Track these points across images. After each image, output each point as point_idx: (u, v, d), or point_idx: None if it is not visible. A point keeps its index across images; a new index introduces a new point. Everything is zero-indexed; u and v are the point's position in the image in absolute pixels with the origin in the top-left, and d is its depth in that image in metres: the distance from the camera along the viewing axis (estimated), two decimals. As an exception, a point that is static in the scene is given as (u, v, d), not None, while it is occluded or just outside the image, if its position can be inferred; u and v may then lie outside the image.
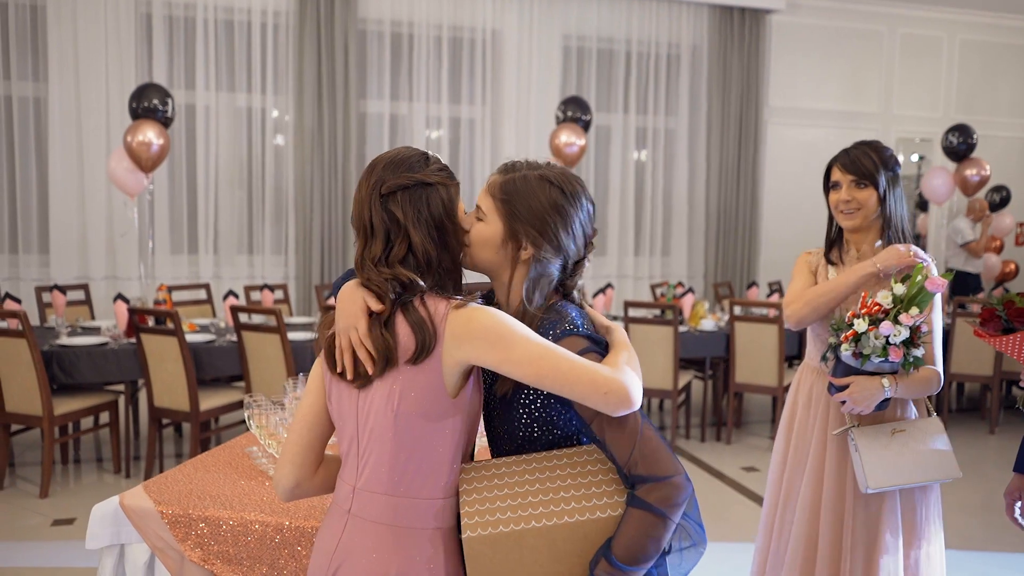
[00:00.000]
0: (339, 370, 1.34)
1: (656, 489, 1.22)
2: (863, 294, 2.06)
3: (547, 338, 1.30)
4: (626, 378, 1.24)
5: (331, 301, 5.44)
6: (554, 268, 1.38)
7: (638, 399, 1.24)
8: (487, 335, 1.26)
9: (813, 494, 2.22)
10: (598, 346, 1.34)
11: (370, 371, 1.30)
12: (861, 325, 1.96)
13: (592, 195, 1.46)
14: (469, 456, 1.40)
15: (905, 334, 1.94)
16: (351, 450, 1.36)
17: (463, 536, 1.24)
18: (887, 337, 1.94)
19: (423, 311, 1.29)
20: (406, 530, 1.31)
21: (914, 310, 1.94)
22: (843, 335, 2.01)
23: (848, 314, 2.03)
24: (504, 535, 1.23)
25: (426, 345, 1.27)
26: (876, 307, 1.97)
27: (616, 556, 1.22)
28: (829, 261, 2.31)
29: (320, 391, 1.42)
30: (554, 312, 1.37)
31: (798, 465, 2.29)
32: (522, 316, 1.35)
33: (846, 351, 2.01)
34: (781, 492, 2.32)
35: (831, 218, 2.31)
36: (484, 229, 1.38)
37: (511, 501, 1.26)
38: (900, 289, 1.97)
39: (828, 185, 2.27)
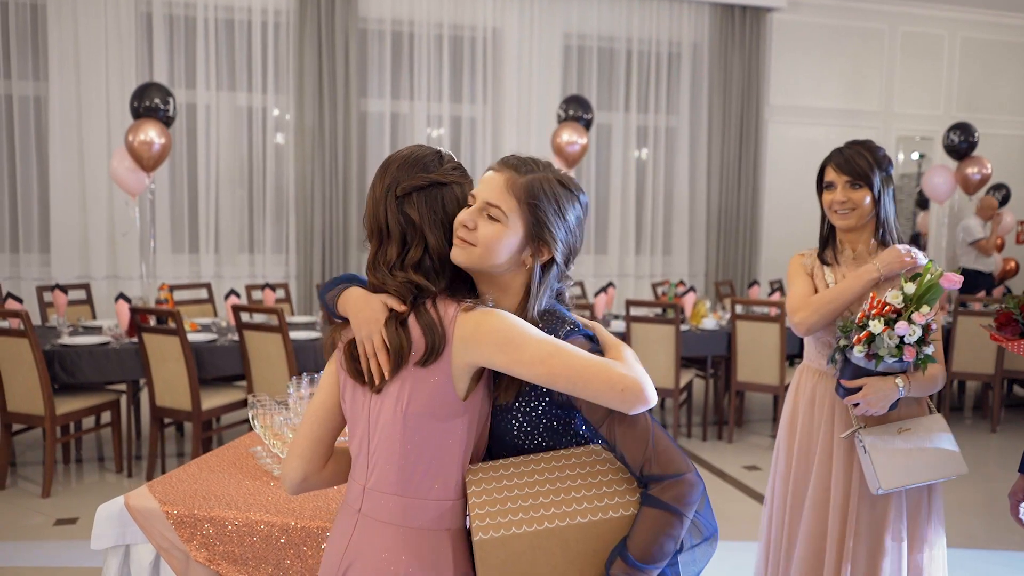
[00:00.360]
0: (367, 379, 1.32)
1: (670, 487, 1.21)
2: (871, 295, 2.05)
3: None
4: (640, 374, 1.23)
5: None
6: (558, 272, 1.37)
7: (653, 396, 1.22)
8: (496, 337, 1.25)
9: (821, 496, 2.21)
10: (597, 346, 1.33)
11: (387, 375, 1.29)
12: (876, 326, 1.94)
13: (594, 194, 1.44)
14: (478, 458, 1.39)
15: (919, 333, 1.93)
16: (362, 450, 1.36)
17: (474, 539, 1.22)
18: (902, 337, 1.93)
19: (434, 314, 1.29)
20: (415, 531, 1.30)
21: (925, 308, 1.94)
22: (856, 337, 1.99)
23: (858, 316, 2.01)
24: (516, 537, 1.22)
25: (435, 348, 1.27)
26: (887, 307, 1.96)
27: (633, 555, 1.21)
28: (824, 261, 2.29)
29: (333, 388, 1.41)
30: (551, 315, 1.35)
31: (804, 467, 2.27)
32: (524, 319, 1.32)
33: (859, 353, 1.98)
34: (788, 495, 2.30)
35: (823, 217, 2.30)
36: (502, 231, 1.29)
37: (522, 502, 1.24)
38: (911, 288, 1.96)
39: (821, 185, 2.26)
